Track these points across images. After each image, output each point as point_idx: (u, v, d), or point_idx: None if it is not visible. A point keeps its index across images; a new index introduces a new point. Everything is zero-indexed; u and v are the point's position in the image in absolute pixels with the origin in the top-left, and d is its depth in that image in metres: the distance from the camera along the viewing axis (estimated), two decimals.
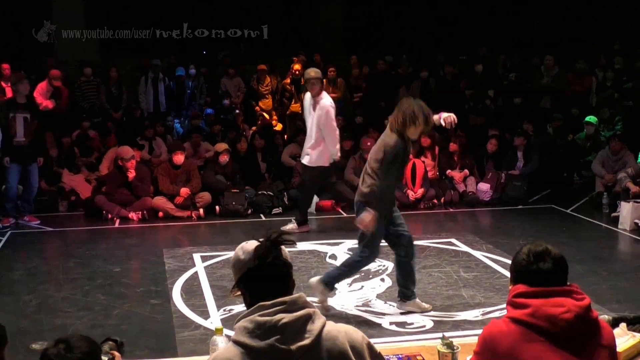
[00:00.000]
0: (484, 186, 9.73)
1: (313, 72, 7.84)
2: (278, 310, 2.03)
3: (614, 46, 13.12)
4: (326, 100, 7.82)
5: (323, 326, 2.07)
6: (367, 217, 5.05)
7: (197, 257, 7.05)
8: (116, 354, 2.76)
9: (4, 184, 8.59)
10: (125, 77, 12.04)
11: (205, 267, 6.69)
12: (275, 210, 9.15)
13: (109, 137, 10.38)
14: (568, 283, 2.40)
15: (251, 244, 2.13)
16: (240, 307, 5.54)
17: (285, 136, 11.40)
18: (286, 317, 2.02)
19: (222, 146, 9.55)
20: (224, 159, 9.36)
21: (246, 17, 13.77)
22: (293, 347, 2.00)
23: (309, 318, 2.05)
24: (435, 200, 9.50)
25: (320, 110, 7.73)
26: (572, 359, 2.26)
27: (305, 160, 8.05)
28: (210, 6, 14.22)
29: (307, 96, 7.94)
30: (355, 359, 2.07)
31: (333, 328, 2.10)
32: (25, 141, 8.29)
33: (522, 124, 10.87)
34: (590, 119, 10.84)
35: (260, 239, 2.12)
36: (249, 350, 2.01)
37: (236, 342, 2.05)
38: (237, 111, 11.86)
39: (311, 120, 7.85)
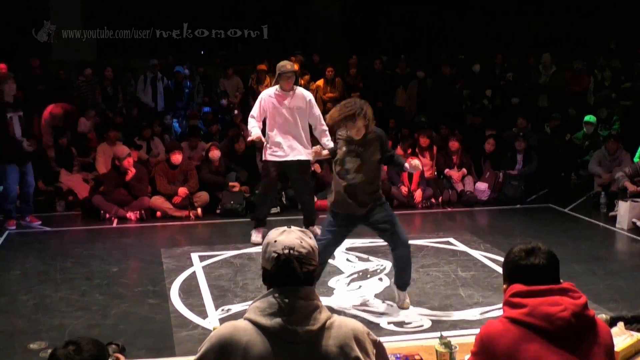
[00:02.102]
0: (482, 185, 9.74)
1: (289, 65, 7.47)
2: (291, 295, 2.18)
3: (610, 46, 13.14)
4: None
5: (328, 318, 2.21)
6: None
7: (195, 256, 7.04)
8: (121, 357, 2.77)
9: (1, 185, 8.55)
10: (122, 77, 12.02)
11: (203, 267, 6.68)
12: (273, 210, 9.13)
13: (107, 133, 10.29)
14: (561, 281, 2.42)
15: (280, 243, 2.24)
16: (238, 307, 5.54)
17: None
18: (298, 302, 2.17)
19: (209, 143, 9.73)
20: (214, 153, 9.38)
21: (246, 17, 13.77)
22: (300, 329, 2.14)
23: (317, 308, 2.20)
24: (433, 200, 9.51)
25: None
26: (570, 357, 2.27)
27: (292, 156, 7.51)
28: (210, 6, 14.23)
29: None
30: (358, 347, 2.20)
31: (338, 319, 2.25)
32: (22, 140, 8.27)
33: (516, 120, 10.92)
34: (590, 118, 10.86)
35: (283, 249, 2.22)
36: (259, 327, 2.16)
37: (248, 319, 2.20)
38: (237, 112, 11.87)
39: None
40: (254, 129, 7.29)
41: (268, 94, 7.43)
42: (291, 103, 7.35)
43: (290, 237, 2.25)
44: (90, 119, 10.73)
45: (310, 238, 2.29)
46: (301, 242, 2.24)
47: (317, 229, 7.40)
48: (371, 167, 5.24)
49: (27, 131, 8.41)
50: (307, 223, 7.71)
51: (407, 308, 5.49)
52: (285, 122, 7.34)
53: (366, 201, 5.25)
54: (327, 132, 7.34)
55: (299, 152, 7.38)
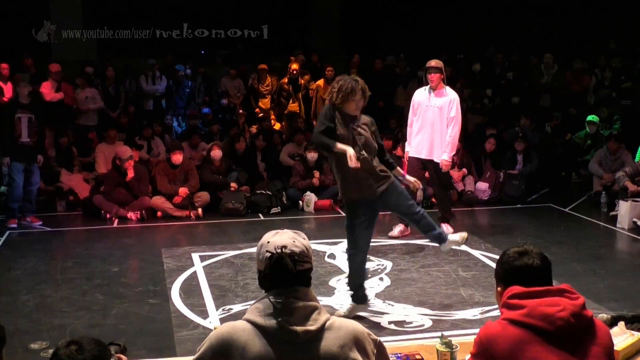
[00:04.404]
0: (483, 185, 9.74)
1: (434, 62, 7.55)
2: (288, 295, 2.20)
3: (610, 45, 13.13)
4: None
5: (328, 319, 2.22)
6: None
7: (195, 256, 7.05)
8: (123, 357, 2.77)
9: (3, 184, 8.58)
10: (123, 77, 12.02)
11: (204, 267, 6.69)
12: (274, 210, 9.16)
13: (106, 132, 10.27)
14: (555, 282, 2.43)
15: (273, 243, 2.26)
16: (239, 307, 5.54)
17: (284, 136, 11.41)
18: (297, 302, 2.18)
19: (212, 143, 9.77)
20: (216, 153, 9.38)
21: (246, 17, 13.77)
22: (299, 329, 2.15)
23: (315, 309, 2.22)
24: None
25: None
26: (570, 358, 2.27)
27: (426, 154, 7.58)
28: (210, 6, 14.22)
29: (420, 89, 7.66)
30: (357, 349, 2.21)
31: (338, 320, 2.26)
32: (29, 142, 8.33)
33: (519, 119, 10.91)
34: (592, 118, 10.86)
35: (276, 248, 2.24)
36: (258, 328, 2.17)
37: (247, 320, 2.21)
38: (241, 111, 11.87)
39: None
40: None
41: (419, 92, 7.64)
42: (433, 101, 7.52)
43: (282, 237, 2.28)
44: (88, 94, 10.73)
45: (304, 238, 2.31)
46: (294, 241, 2.26)
47: (449, 228, 7.69)
48: (373, 147, 5.06)
49: (36, 133, 8.45)
50: (442, 219, 7.94)
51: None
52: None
53: (376, 179, 5.04)
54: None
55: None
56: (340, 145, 4.90)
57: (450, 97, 7.54)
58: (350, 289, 5.34)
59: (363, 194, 5.02)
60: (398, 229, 7.82)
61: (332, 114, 5.03)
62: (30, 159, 8.39)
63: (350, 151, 4.85)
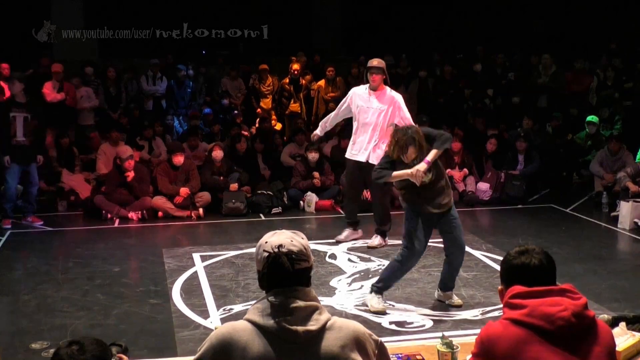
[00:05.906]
0: (484, 185, 9.74)
1: (376, 61, 7.24)
2: (288, 295, 2.20)
3: (611, 45, 13.13)
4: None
5: (329, 319, 2.22)
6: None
7: (196, 256, 7.05)
8: (124, 357, 2.77)
9: (2, 184, 8.59)
10: (124, 77, 12.02)
11: (205, 267, 6.69)
12: (275, 210, 9.16)
13: (109, 133, 10.27)
14: (558, 283, 2.42)
15: (271, 243, 2.26)
16: (240, 307, 5.55)
17: (285, 137, 11.41)
18: (297, 302, 2.18)
19: (213, 143, 9.77)
20: (217, 153, 9.37)
21: (246, 17, 13.77)
22: (300, 329, 2.16)
23: (316, 309, 2.21)
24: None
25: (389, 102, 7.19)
26: (571, 358, 2.27)
27: (363, 157, 7.22)
28: (210, 6, 14.23)
29: (361, 89, 7.33)
30: (358, 349, 2.21)
31: (339, 320, 2.26)
32: (25, 141, 8.31)
33: (522, 120, 10.91)
34: (592, 118, 10.86)
35: (273, 247, 2.25)
36: (259, 328, 2.17)
37: (247, 320, 2.22)
38: (236, 112, 11.87)
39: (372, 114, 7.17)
40: None
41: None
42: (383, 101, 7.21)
43: (280, 237, 2.29)
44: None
45: (302, 238, 2.32)
46: (291, 240, 2.27)
47: (381, 240, 7.35)
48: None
49: (32, 133, 8.43)
50: (376, 231, 7.52)
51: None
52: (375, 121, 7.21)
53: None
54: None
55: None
56: (397, 172, 5.27)
57: (392, 100, 7.16)
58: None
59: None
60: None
61: (390, 160, 5.34)
62: (28, 159, 8.34)
63: (409, 171, 5.21)
